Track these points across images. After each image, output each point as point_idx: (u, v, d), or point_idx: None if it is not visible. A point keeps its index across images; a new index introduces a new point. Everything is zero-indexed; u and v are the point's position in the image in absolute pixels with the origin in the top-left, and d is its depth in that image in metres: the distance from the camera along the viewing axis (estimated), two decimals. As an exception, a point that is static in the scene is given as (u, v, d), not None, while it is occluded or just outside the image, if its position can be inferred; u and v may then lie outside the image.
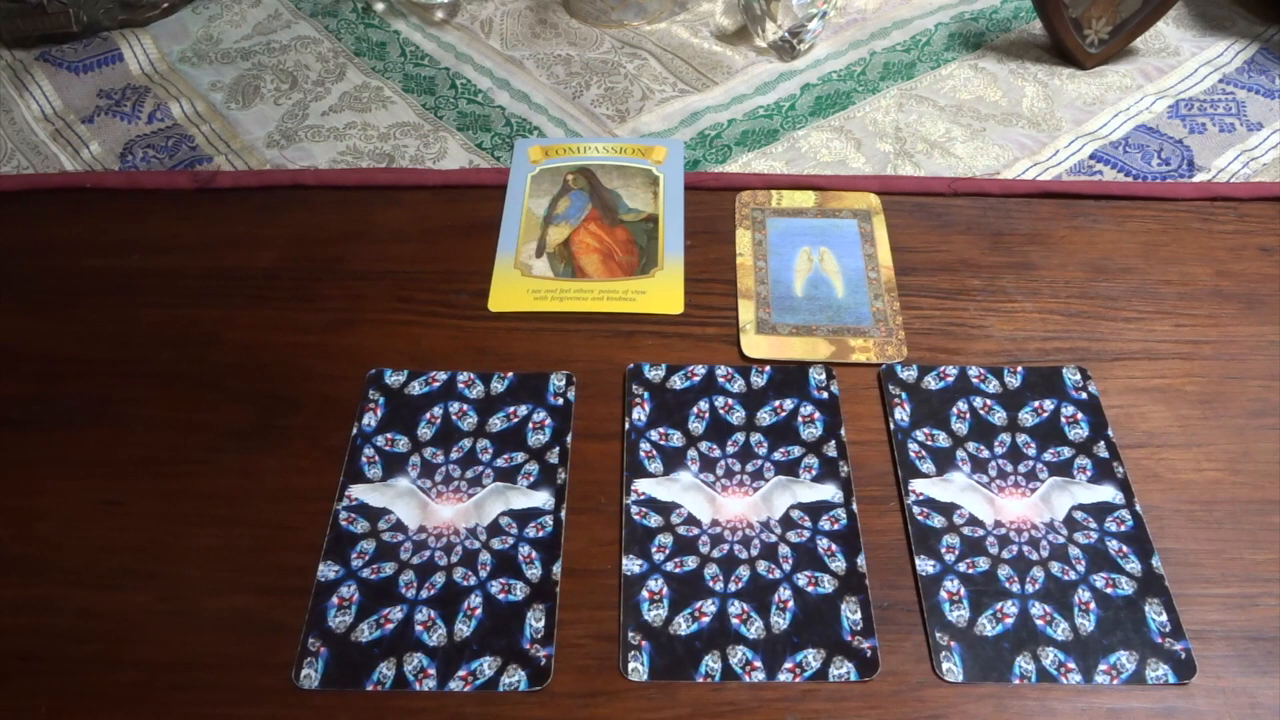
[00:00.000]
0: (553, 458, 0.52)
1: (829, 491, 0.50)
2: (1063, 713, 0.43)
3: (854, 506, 0.50)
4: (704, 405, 0.54)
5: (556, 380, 0.55)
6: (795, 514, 0.50)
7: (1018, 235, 0.64)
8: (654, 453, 0.52)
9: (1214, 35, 0.80)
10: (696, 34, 0.80)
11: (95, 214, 0.65)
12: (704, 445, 0.52)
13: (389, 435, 0.53)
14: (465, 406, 0.54)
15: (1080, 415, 0.54)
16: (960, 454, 0.52)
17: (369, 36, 0.80)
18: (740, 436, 0.53)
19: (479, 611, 0.46)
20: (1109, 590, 0.47)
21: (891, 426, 0.53)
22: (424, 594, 0.47)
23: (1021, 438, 0.53)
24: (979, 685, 0.44)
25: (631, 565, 0.48)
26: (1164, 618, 0.46)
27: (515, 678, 0.44)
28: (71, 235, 0.64)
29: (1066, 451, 0.52)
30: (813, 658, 0.44)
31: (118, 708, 0.43)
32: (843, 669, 0.44)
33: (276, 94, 0.75)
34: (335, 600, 0.46)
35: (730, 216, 0.65)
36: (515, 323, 0.59)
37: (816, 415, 0.54)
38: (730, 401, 0.54)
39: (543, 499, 0.50)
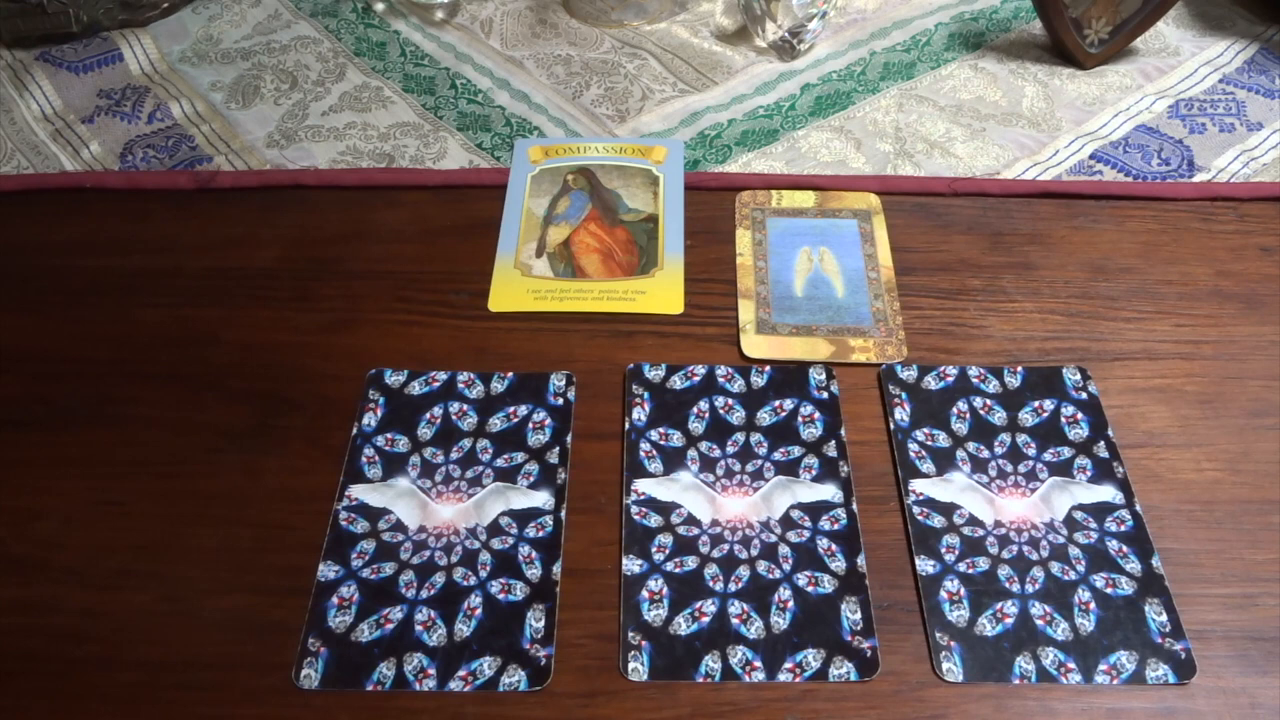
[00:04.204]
0: (553, 458, 0.52)
1: (829, 491, 0.50)
2: (1063, 713, 0.43)
3: (854, 506, 0.50)
4: (704, 405, 0.54)
5: (556, 380, 0.55)
6: (795, 514, 0.50)
7: (1018, 235, 0.64)
8: (654, 453, 0.52)
9: (1214, 35, 0.80)
10: (696, 34, 0.80)
11: (95, 214, 0.65)
12: (704, 445, 0.52)
13: (389, 435, 0.53)
14: (465, 406, 0.54)
15: (1080, 415, 0.54)
16: (960, 454, 0.52)
17: (369, 36, 0.80)
18: (740, 436, 0.53)
19: (479, 611, 0.46)
20: (1109, 590, 0.47)
21: (891, 426, 0.53)
22: (424, 594, 0.47)
23: (1021, 438, 0.53)
24: (979, 685, 0.44)
25: (631, 565, 0.48)
26: (1164, 618, 0.46)
27: (515, 678, 0.44)
28: (71, 235, 0.64)
29: (1066, 451, 0.52)
30: (813, 658, 0.44)
31: (118, 708, 0.43)
32: (843, 669, 0.44)
33: (276, 94, 0.75)
34: (335, 600, 0.46)
35: (730, 216, 0.65)
36: (515, 323, 0.59)
37: (816, 415, 0.54)
38: (730, 401, 0.54)
39: (543, 499, 0.50)
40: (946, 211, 0.66)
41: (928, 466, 0.51)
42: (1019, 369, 0.56)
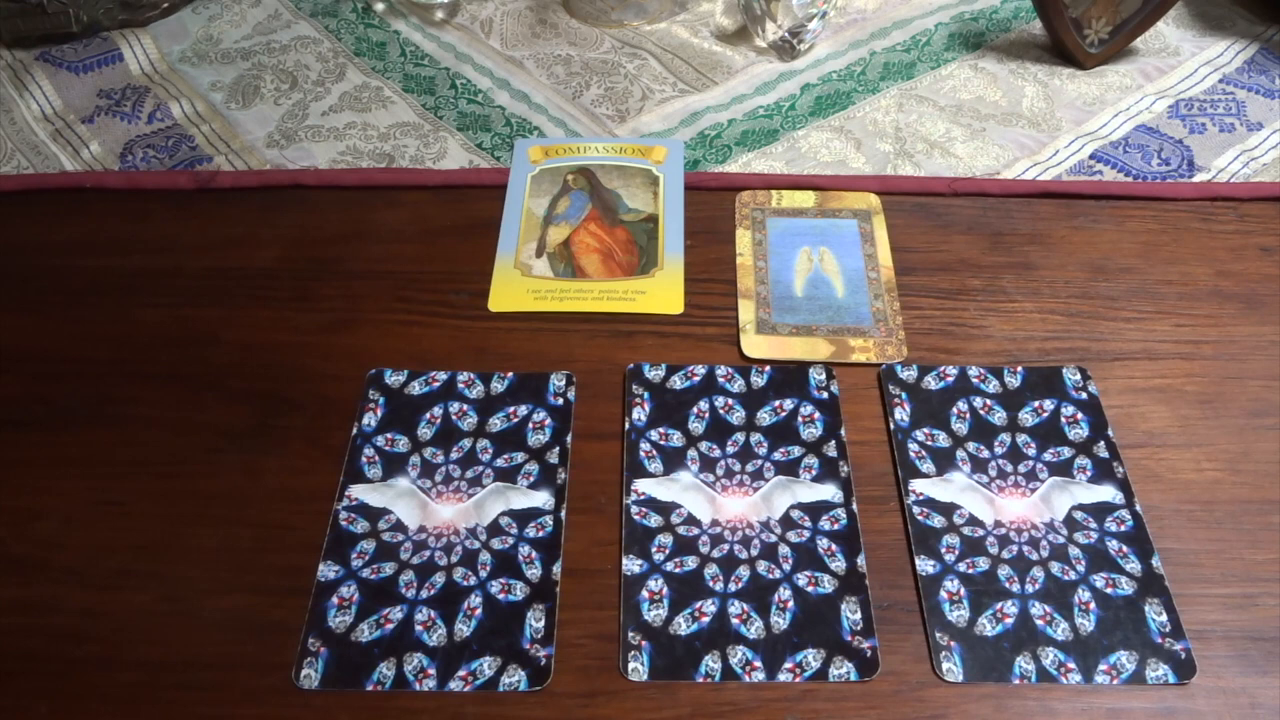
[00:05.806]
0: (553, 458, 0.52)
1: (829, 491, 0.50)
2: (1063, 713, 0.43)
3: (854, 506, 0.50)
4: (704, 405, 0.54)
5: (556, 380, 0.55)
6: (795, 514, 0.50)
7: (1018, 235, 0.64)
8: (654, 453, 0.52)
9: (1214, 35, 0.80)
10: (696, 34, 0.80)
11: (95, 214, 0.65)
12: (704, 445, 0.52)
13: (389, 435, 0.53)
14: (465, 406, 0.54)
15: (1080, 415, 0.54)
16: (960, 454, 0.52)
17: (369, 36, 0.80)
18: (740, 436, 0.53)
19: (479, 611, 0.46)
20: (1109, 590, 0.47)
21: (891, 426, 0.53)
22: (424, 594, 0.47)
23: (1021, 438, 0.53)
24: (979, 685, 0.44)
25: (631, 565, 0.48)
26: (1164, 618, 0.46)
27: (515, 678, 0.44)
28: (71, 235, 0.64)
29: (1066, 451, 0.52)
30: (813, 658, 0.44)
31: (118, 708, 0.43)
32: (843, 669, 0.44)
33: (276, 94, 0.75)
34: (335, 600, 0.46)
35: (730, 216, 0.65)
36: (515, 323, 0.59)
37: (816, 415, 0.54)
38: (730, 401, 0.54)
39: (543, 499, 0.50)
40: (946, 211, 0.66)
41: (928, 466, 0.51)
42: (1019, 369, 0.56)
